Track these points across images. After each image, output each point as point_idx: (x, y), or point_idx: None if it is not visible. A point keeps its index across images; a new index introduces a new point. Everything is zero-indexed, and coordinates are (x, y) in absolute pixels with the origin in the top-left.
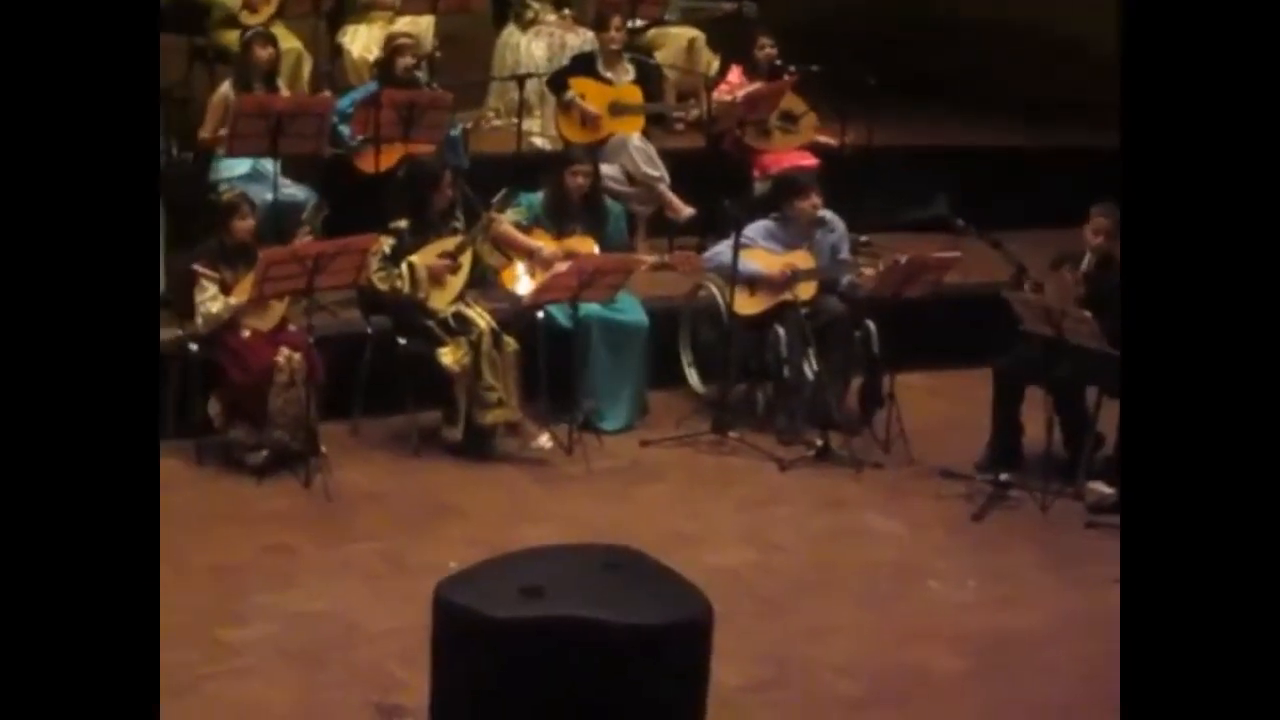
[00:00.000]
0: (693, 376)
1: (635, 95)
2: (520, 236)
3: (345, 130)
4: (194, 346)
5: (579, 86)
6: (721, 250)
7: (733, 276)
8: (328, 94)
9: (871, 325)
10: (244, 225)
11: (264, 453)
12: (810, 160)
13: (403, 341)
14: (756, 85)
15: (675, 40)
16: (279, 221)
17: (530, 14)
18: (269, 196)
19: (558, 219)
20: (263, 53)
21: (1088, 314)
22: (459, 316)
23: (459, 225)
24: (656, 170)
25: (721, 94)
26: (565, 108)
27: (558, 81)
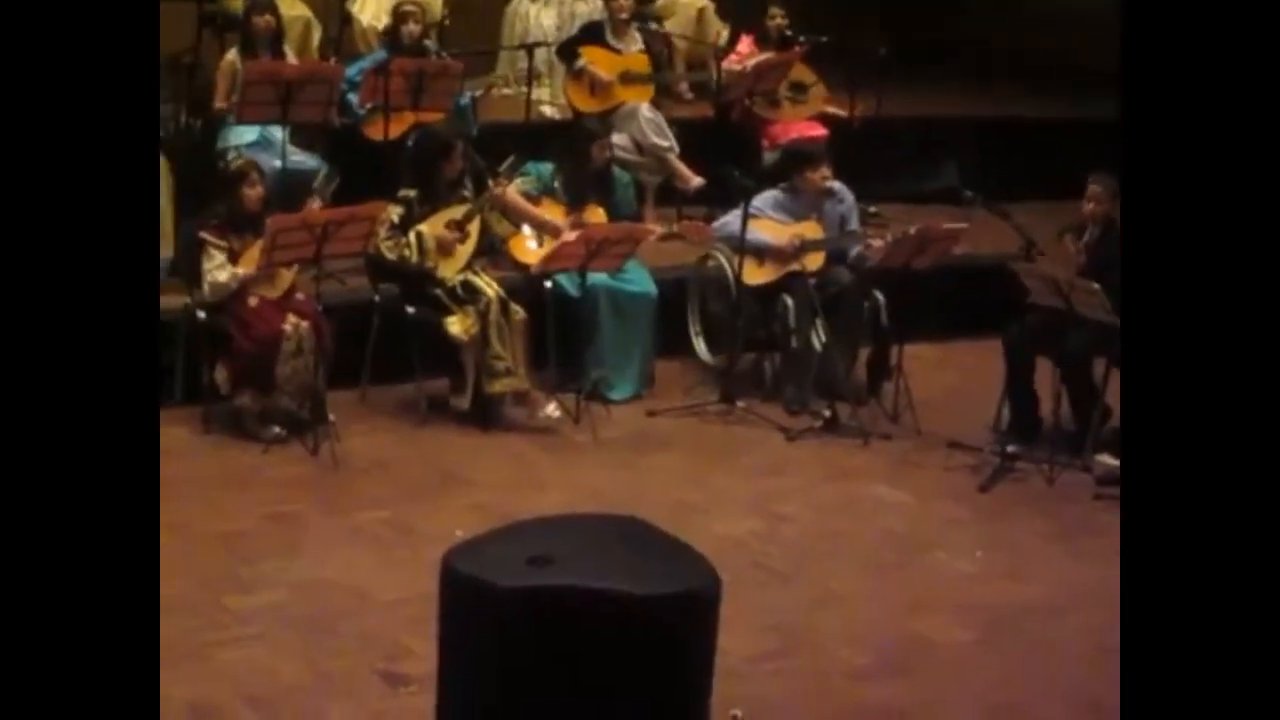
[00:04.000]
0: (700, 346)
1: (644, 64)
2: (529, 206)
3: (354, 98)
4: (201, 314)
5: (588, 55)
6: (730, 220)
7: (741, 246)
8: (335, 61)
9: (880, 296)
10: (253, 193)
11: (276, 429)
12: (819, 130)
13: (411, 310)
14: (766, 55)
15: (685, 9)
16: (287, 189)
17: None
18: (277, 164)
19: (575, 192)
20: (261, 21)
21: (1096, 286)
22: (467, 285)
23: (467, 194)
24: (666, 140)
25: (731, 64)
26: (576, 76)
27: (567, 50)
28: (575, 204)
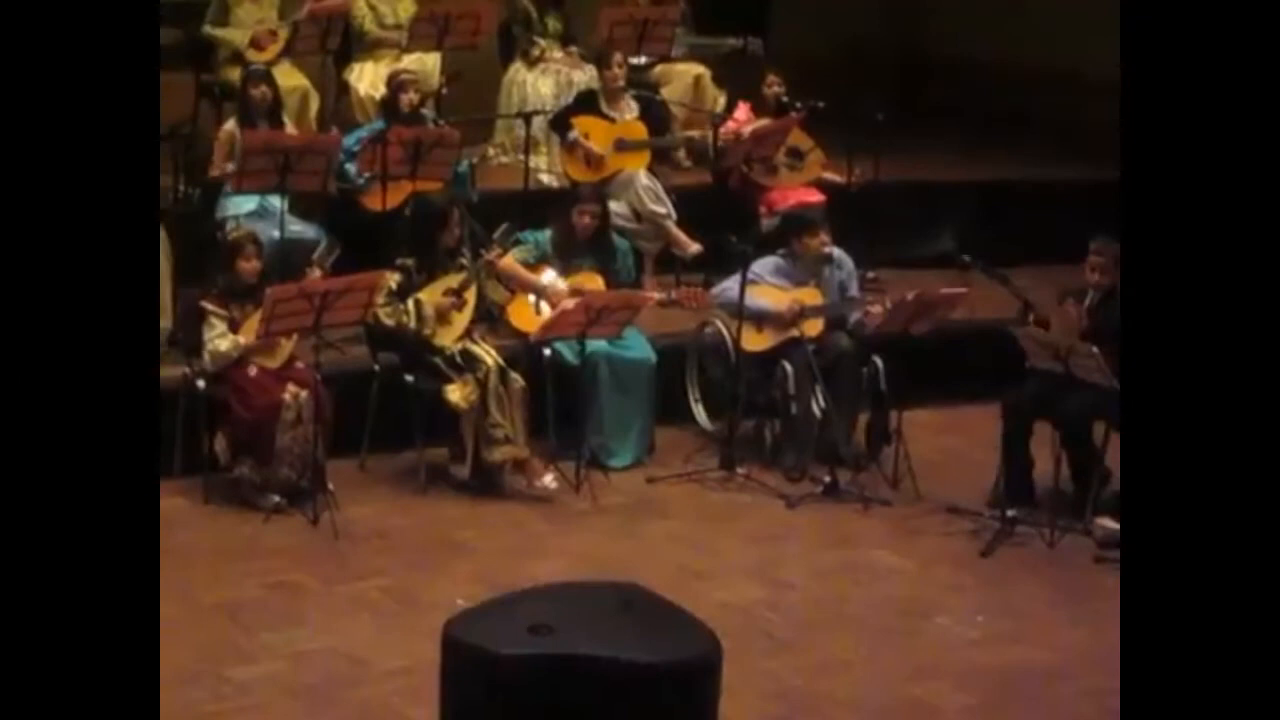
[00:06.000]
0: (700, 413)
1: (639, 131)
2: (526, 273)
3: (352, 168)
4: (201, 383)
5: (583, 125)
6: (729, 286)
7: (740, 313)
8: (335, 131)
9: (879, 361)
10: (249, 266)
11: (276, 498)
12: (817, 196)
13: (410, 378)
14: (763, 122)
15: (681, 77)
16: (286, 259)
17: (537, 51)
18: (275, 234)
19: (565, 256)
20: (256, 91)
21: (1094, 349)
22: (466, 353)
23: (465, 262)
24: (663, 207)
25: (728, 131)
26: (570, 148)
27: (560, 121)
28: (565, 268)
